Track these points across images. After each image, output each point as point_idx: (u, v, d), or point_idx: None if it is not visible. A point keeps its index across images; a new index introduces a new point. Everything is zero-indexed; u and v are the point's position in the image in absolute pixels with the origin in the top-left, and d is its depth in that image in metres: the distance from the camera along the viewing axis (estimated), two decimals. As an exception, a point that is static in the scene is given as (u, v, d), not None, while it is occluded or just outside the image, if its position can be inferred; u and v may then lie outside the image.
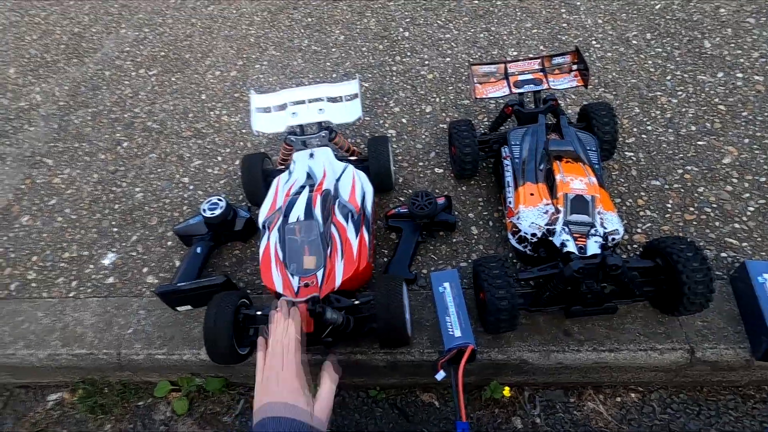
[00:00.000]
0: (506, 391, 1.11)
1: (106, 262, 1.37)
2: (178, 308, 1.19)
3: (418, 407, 1.17)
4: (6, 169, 1.71)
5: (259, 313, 1.05)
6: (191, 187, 1.54)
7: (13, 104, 2.00)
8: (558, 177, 1.08)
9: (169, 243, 1.39)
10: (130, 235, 1.42)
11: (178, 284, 1.14)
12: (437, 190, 1.40)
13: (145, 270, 1.33)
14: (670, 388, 1.12)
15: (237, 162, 1.60)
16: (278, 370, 0.84)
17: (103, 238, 1.43)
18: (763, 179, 1.27)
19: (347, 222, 1.14)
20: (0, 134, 1.86)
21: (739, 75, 1.54)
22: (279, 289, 1.05)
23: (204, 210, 1.25)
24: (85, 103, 1.95)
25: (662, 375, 1.08)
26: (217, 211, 1.24)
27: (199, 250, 1.26)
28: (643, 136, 1.44)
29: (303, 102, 1.33)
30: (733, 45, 1.64)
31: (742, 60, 1.58)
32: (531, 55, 1.68)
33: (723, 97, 1.49)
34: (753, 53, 1.60)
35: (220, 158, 1.62)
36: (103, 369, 1.21)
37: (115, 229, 1.45)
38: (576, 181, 1.07)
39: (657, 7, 1.86)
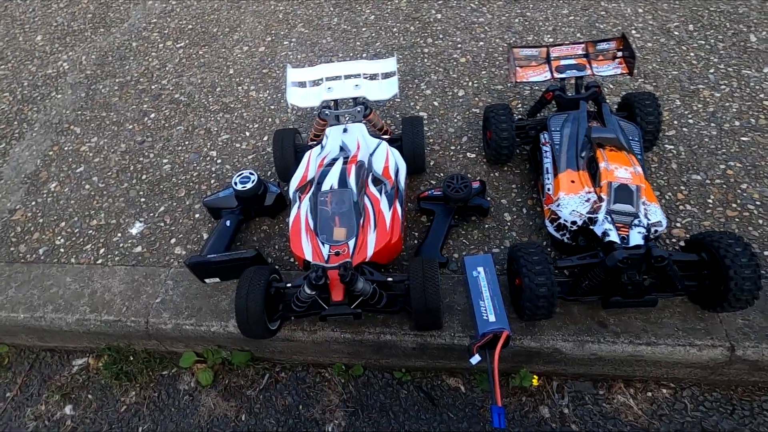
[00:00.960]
0: (535, 380, 1.10)
1: (133, 231, 1.36)
2: (207, 280, 1.19)
3: (443, 391, 1.16)
4: (34, 135, 1.71)
5: (289, 285, 1.04)
6: (219, 161, 1.53)
7: (41, 71, 1.99)
8: (602, 165, 1.05)
9: (197, 215, 1.38)
10: (157, 206, 1.42)
11: (209, 256, 1.14)
12: (470, 174, 1.38)
13: (172, 241, 1.33)
14: (703, 386, 1.10)
15: (265, 138, 1.58)
16: None
17: (130, 207, 1.43)
18: (809, 178, 1.23)
19: (381, 194, 1.12)
20: (28, 100, 1.85)
21: (787, 71, 1.49)
22: (309, 257, 1.04)
23: (235, 183, 1.24)
24: (112, 73, 1.93)
25: (698, 372, 1.05)
26: (249, 185, 1.23)
27: (228, 223, 1.25)
28: (684, 129, 1.40)
29: (339, 77, 1.31)
30: (780, 39, 1.59)
31: (790, 55, 1.53)
32: (575, 41, 1.63)
33: (769, 92, 1.44)
34: (801, 49, 1.54)
35: (248, 133, 1.61)
36: (130, 336, 1.21)
37: (143, 199, 1.45)
38: (621, 169, 1.04)
39: (701, -2, 1.80)
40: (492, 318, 0.99)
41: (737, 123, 1.38)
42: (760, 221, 1.17)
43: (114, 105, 1.78)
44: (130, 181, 1.50)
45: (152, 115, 1.72)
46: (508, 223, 1.26)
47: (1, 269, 1.29)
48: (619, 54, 1.27)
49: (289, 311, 1.04)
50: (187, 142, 1.60)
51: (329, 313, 1.01)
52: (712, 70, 1.55)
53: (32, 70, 2.00)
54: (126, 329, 1.18)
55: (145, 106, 1.76)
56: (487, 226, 1.26)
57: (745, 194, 1.23)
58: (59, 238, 1.37)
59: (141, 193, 1.46)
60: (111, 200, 1.45)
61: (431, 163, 1.42)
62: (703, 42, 1.64)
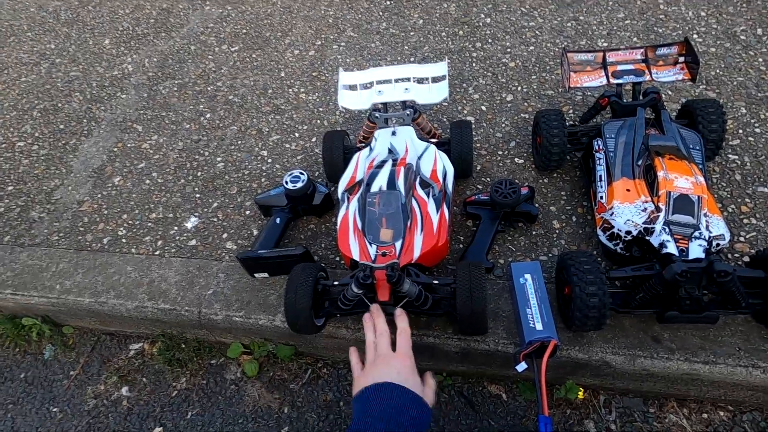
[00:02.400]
0: (581, 393, 1.07)
1: (188, 225, 1.43)
2: (256, 275, 1.23)
3: (484, 398, 1.15)
4: (101, 132, 1.82)
5: (336, 283, 1.07)
6: (269, 161, 1.58)
7: (108, 72, 2.12)
8: (661, 174, 1.02)
9: (248, 212, 1.43)
10: (211, 202, 1.48)
11: (259, 251, 1.18)
12: (518, 180, 1.36)
13: (224, 236, 1.38)
14: (765, 411, 1.03)
15: (314, 139, 1.62)
16: (387, 352, 0.86)
17: (186, 202, 1.50)
18: None
19: (428, 197, 1.13)
20: (96, 99, 1.98)
21: None
22: (356, 256, 1.06)
23: (286, 182, 1.28)
24: (171, 75, 2.04)
25: (760, 395, 1.00)
26: (299, 184, 1.27)
27: (278, 220, 1.29)
28: (750, 138, 1.32)
29: (389, 81, 1.33)
30: None
31: None
32: (632, 45, 1.58)
33: None
34: None
35: (297, 134, 1.65)
36: (183, 325, 1.27)
37: (198, 195, 1.51)
38: (681, 179, 1.00)
39: (771, 0, 1.70)
40: (539, 326, 0.98)
41: (810, 133, 1.30)
42: (836, 239, 1.09)
43: (173, 105, 1.88)
44: (187, 177, 1.58)
45: (208, 116, 1.80)
46: (557, 231, 1.23)
47: (70, 256, 1.39)
48: (681, 59, 1.22)
49: (335, 308, 1.06)
50: (239, 142, 1.66)
51: (375, 312, 1.02)
52: (782, 77, 1.46)
53: (100, 71, 2.13)
54: (180, 318, 1.24)
55: (202, 106, 1.85)
56: (534, 233, 1.24)
57: (817, 209, 1.15)
58: (121, 229, 1.46)
59: (196, 189, 1.53)
60: (168, 195, 1.53)
61: (478, 168, 1.42)
62: (773, 47, 1.55)
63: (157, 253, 1.37)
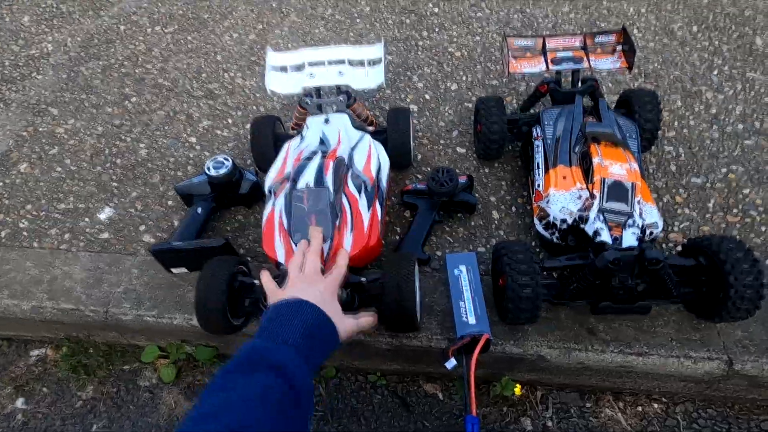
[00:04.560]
0: (517, 389, 1.02)
1: (102, 216, 1.29)
2: (173, 270, 1.12)
3: (420, 397, 1.09)
4: (9, 115, 1.64)
5: (257, 282, 0.97)
6: (198, 147, 1.46)
7: (24, 51, 1.93)
8: (596, 160, 0.99)
9: (170, 202, 1.31)
10: (129, 191, 1.35)
11: (174, 243, 1.07)
12: (458, 170, 1.31)
13: (142, 228, 1.26)
14: (697, 402, 1.02)
15: (248, 125, 1.51)
16: (314, 273, 0.83)
17: (101, 191, 1.36)
18: (816, 185, 1.16)
19: (360, 194, 1.05)
20: (7, 80, 1.79)
21: (794, 74, 1.43)
22: (281, 258, 0.97)
23: (208, 168, 1.17)
24: (96, 56, 1.87)
25: (692, 386, 0.98)
26: (222, 171, 1.16)
27: (199, 210, 1.18)
28: (685, 130, 1.33)
29: (322, 63, 1.24)
30: (787, 44, 1.53)
31: (797, 59, 1.47)
32: (572, 32, 1.57)
33: (774, 96, 1.38)
34: (809, 54, 1.48)
35: (230, 120, 1.54)
36: (89, 327, 1.14)
37: (115, 184, 1.38)
38: (615, 165, 0.98)
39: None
40: (472, 320, 0.92)
41: (740, 126, 1.32)
42: (763, 228, 1.10)
43: (95, 88, 1.72)
44: (104, 164, 1.43)
45: (133, 99, 1.65)
46: (496, 222, 1.19)
47: (-42, 251, 1.22)
48: (619, 48, 1.21)
49: (257, 309, 0.97)
50: (166, 127, 1.53)
51: (298, 312, 0.93)
52: (715, 72, 1.48)
53: (15, 50, 1.93)
54: (84, 319, 1.10)
55: (127, 89, 1.70)
56: (473, 223, 1.19)
57: (747, 199, 1.16)
58: (23, 221, 1.30)
59: (114, 177, 1.39)
60: (82, 184, 1.38)
61: (418, 157, 1.36)
62: (707, 43, 1.58)
63: (62, 247, 1.23)
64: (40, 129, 1.58)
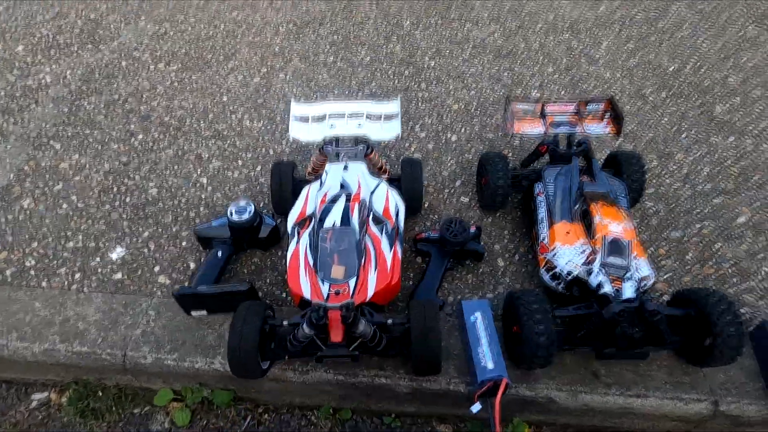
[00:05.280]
0: (526, 430, 1.09)
1: (114, 256, 1.29)
2: (193, 313, 1.13)
3: (433, 439, 1.13)
4: (8, 147, 1.62)
5: (285, 323, 1.01)
6: (209, 188, 1.49)
7: (20, 81, 1.91)
8: (596, 219, 1.10)
9: (184, 243, 1.33)
10: (141, 231, 1.36)
11: (200, 288, 1.09)
12: (464, 219, 1.40)
13: (156, 269, 1.27)
14: (685, 439, 1.12)
15: (258, 167, 1.56)
16: None
17: (111, 230, 1.36)
18: (774, 242, 1.33)
19: (381, 234, 1.12)
20: (4, 111, 1.76)
21: (749, 141, 1.63)
22: (307, 294, 1.01)
23: (231, 213, 1.21)
24: (98, 90, 1.88)
25: (681, 425, 1.08)
26: (245, 216, 1.21)
27: (220, 254, 1.21)
28: (662, 188, 1.49)
29: (342, 115, 1.33)
30: (741, 113, 1.74)
31: (751, 127, 1.68)
32: (567, 98, 1.73)
33: (735, 160, 1.57)
34: (760, 122, 1.70)
35: (240, 162, 1.58)
36: (104, 370, 1.12)
37: (126, 223, 1.38)
38: (614, 224, 1.10)
39: (671, 69, 1.96)
40: (490, 365, 0.99)
41: (708, 186, 1.49)
42: (734, 280, 1.25)
43: (99, 123, 1.73)
44: (113, 203, 1.44)
45: (140, 137, 1.67)
46: (501, 269, 1.28)
47: (-39, 290, 1.19)
48: (608, 115, 1.35)
49: (282, 350, 1.00)
50: (176, 167, 1.56)
51: (327, 354, 0.98)
52: (684, 135, 1.67)
53: (10, 79, 1.91)
54: (100, 362, 1.09)
55: (133, 126, 1.71)
56: (481, 270, 1.27)
57: (719, 253, 1.31)
58: (30, 259, 1.28)
59: (124, 216, 1.40)
60: (90, 222, 1.38)
61: (426, 205, 1.45)
62: (675, 109, 1.78)
63: (74, 287, 1.22)
64: (43, 163, 1.56)
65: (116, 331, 1.12)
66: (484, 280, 1.25)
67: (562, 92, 1.87)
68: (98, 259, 1.28)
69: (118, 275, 1.25)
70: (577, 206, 1.18)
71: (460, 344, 1.10)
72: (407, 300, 1.20)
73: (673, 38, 2.13)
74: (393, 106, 1.34)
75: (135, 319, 1.15)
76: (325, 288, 1.01)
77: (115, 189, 1.48)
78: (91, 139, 1.66)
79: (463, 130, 1.72)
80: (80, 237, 1.34)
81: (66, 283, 1.23)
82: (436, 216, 1.42)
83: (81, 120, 1.74)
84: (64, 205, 1.42)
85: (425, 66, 2.02)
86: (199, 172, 1.54)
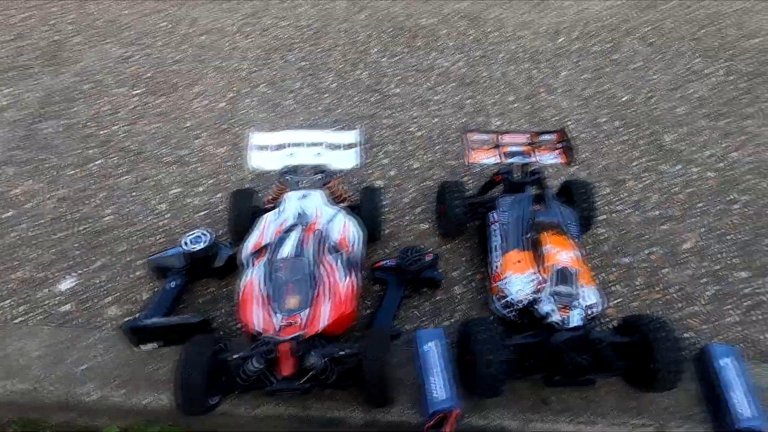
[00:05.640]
0: (480, 459, 1.09)
1: (63, 287, 1.26)
2: (142, 346, 1.11)
3: (389, 471, 1.12)
4: (-43, 172, 1.57)
5: (235, 356, 1.00)
6: (168, 216, 1.47)
7: (-25, 104, 1.86)
8: (546, 248, 1.14)
9: (138, 273, 1.30)
10: (94, 260, 1.33)
11: (149, 320, 1.07)
12: (422, 246, 1.42)
13: (107, 300, 1.24)
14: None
15: (219, 194, 1.56)
16: None
17: (62, 260, 1.32)
18: (717, 267, 1.39)
19: (336, 264, 1.13)
20: (-45, 134, 1.71)
21: (695, 169, 1.71)
22: (258, 327, 1.01)
23: (185, 243, 1.20)
24: (57, 114, 1.85)
25: (630, 450, 1.10)
26: (200, 245, 1.19)
27: (173, 284, 1.19)
28: (614, 215, 1.55)
29: (302, 144, 1.34)
30: (688, 142, 1.84)
31: (696, 156, 1.77)
32: (521, 129, 1.79)
33: (681, 187, 1.65)
34: (705, 151, 1.79)
35: (201, 188, 1.57)
36: (47, 408, 1.08)
37: (78, 252, 1.35)
38: (562, 253, 1.13)
39: (623, 99, 2.06)
40: (443, 396, 1.00)
41: (657, 212, 1.56)
42: (680, 304, 1.30)
43: (56, 147, 1.69)
44: (65, 231, 1.40)
45: (98, 162, 1.64)
46: (458, 297, 1.30)
47: None
48: (560, 145, 1.41)
49: (232, 385, 0.99)
50: (134, 193, 1.54)
51: (277, 388, 0.97)
52: (635, 163, 1.75)
53: (-35, 102, 1.87)
54: (42, 400, 1.05)
55: (91, 151, 1.69)
56: (438, 298, 1.29)
57: (666, 278, 1.36)
58: (-28, 291, 1.23)
59: (76, 245, 1.37)
60: (40, 251, 1.34)
61: (385, 232, 1.46)
62: (627, 137, 1.87)
63: (17, 320, 1.18)
64: (-7, 189, 1.52)
65: (61, 366, 1.09)
66: (440, 308, 1.27)
67: (522, 121, 1.94)
68: (46, 290, 1.25)
69: (67, 307, 1.21)
70: (529, 235, 1.21)
71: (414, 374, 1.11)
72: (364, 329, 1.20)
73: (627, 70, 2.24)
74: (352, 136, 1.37)
75: (82, 354, 1.11)
76: (277, 320, 1.01)
77: (68, 216, 1.44)
78: (47, 165, 1.62)
79: (425, 157, 1.75)
80: (28, 267, 1.30)
81: (9, 316, 1.18)
82: (396, 243, 1.43)
83: (37, 144, 1.70)
84: (12, 234, 1.38)
85: (390, 93, 2.07)
86: (157, 199, 1.52)
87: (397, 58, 2.28)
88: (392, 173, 1.67)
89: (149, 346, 1.11)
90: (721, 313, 1.27)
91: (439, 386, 1.02)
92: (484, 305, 1.28)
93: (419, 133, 1.85)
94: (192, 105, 1.94)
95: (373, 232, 1.35)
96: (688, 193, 1.63)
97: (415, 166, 1.71)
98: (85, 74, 2.08)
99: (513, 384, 1.10)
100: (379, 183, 1.63)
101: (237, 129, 1.83)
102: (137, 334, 1.07)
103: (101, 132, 1.77)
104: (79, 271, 1.29)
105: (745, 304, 1.29)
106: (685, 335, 1.23)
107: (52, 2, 2.61)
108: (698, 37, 2.48)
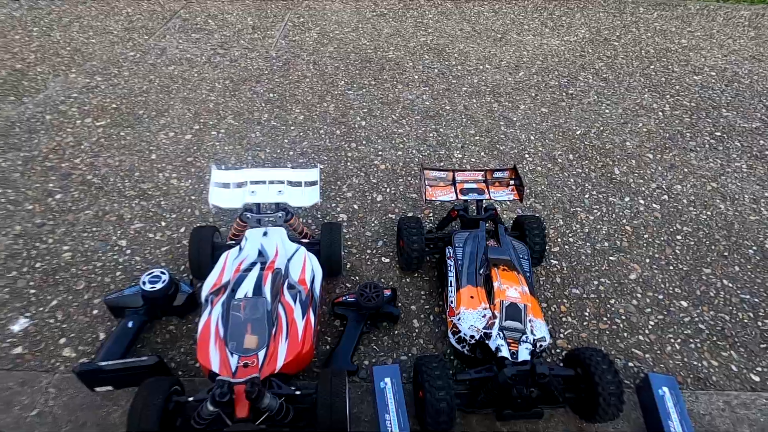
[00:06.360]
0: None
1: (15, 328, 1.23)
2: (97, 389, 1.10)
3: None
4: None
5: (191, 399, 1.00)
6: (128, 252, 1.47)
7: (-70, 136, 1.83)
8: (495, 284, 1.19)
9: (95, 311, 1.29)
10: (50, 299, 1.31)
11: (102, 363, 1.06)
12: (383, 279, 1.46)
13: (62, 341, 1.22)
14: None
15: (182, 229, 1.56)
16: None
17: (16, 299, 1.30)
18: (661, 296, 1.47)
19: (295, 302, 1.15)
20: None
21: (642, 201, 1.82)
22: (215, 368, 1.02)
23: (144, 282, 1.20)
24: (17, 146, 1.83)
25: (579, 480, 1.15)
26: (159, 285, 1.20)
27: (130, 324, 1.19)
28: (566, 246, 1.62)
29: (263, 182, 1.37)
30: (636, 174, 1.95)
31: (643, 188, 1.88)
32: (476, 167, 1.87)
33: (629, 219, 1.74)
34: (651, 184, 1.90)
35: (164, 223, 1.58)
36: (-8, 458, 1.05)
37: (33, 291, 1.33)
38: (511, 289, 1.19)
39: (578, 132, 2.17)
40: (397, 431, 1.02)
41: (606, 244, 1.64)
42: (625, 334, 1.36)
43: (14, 181, 1.67)
44: (20, 269, 1.38)
45: (58, 196, 1.63)
46: (417, 330, 1.33)
47: None
48: (512, 182, 1.48)
49: (188, 428, 0.99)
50: (94, 229, 1.53)
51: (232, 430, 0.97)
52: (587, 196, 1.84)
53: None
54: (-13, 450, 1.03)
55: (51, 185, 1.67)
56: (396, 332, 1.32)
57: (613, 309, 1.43)
58: None
59: (32, 283, 1.35)
60: (-7, 290, 1.32)
61: (348, 266, 1.49)
62: (580, 170, 1.97)
63: (-34, 365, 1.15)
64: (-54, 226, 1.49)
65: (9, 413, 1.06)
66: (399, 342, 1.30)
67: (482, 153, 2.02)
68: (-3, 332, 1.22)
69: (18, 349, 1.19)
70: (482, 270, 1.27)
71: (372, 410, 1.13)
72: (323, 365, 1.22)
73: (581, 104, 2.37)
74: (313, 174, 1.41)
75: (32, 398, 1.09)
76: (233, 360, 1.02)
77: (24, 253, 1.42)
78: (3, 199, 1.60)
79: (388, 190, 1.80)
80: (-21, 308, 1.27)
81: (-43, 360, 1.15)
82: (357, 277, 1.46)
83: (-6, 178, 1.67)
84: (-35, 273, 1.35)
85: (356, 125, 2.12)
86: (119, 234, 1.52)
87: (363, 90, 2.35)
88: (356, 206, 1.71)
89: (104, 389, 1.10)
90: (663, 342, 1.35)
91: (393, 423, 1.04)
92: (442, 338, 1.32)
93: (383, 166, 1.91)
94: (158, 137, 1.95)
95: (333, 268, 1.37)
96: (636, 224, 1.72)
97: (378, 199, 1.75)
98: (47, 104, 2.06)
99: (467, 418, 1.13)
100: (342, 217, 1.67)
101: (202, 162, 1.85)
102: (91, 376, 1.05)
103: (62, 165, 1.76)
104: (34, 311, 1.27)
105: (685, 332, 1.37)
106: (630, 364, 1.29)
107: (15, 29, 2.60)
108: (648, 72, 2.64)
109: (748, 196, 1.85)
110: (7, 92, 2.11)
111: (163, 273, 1.22)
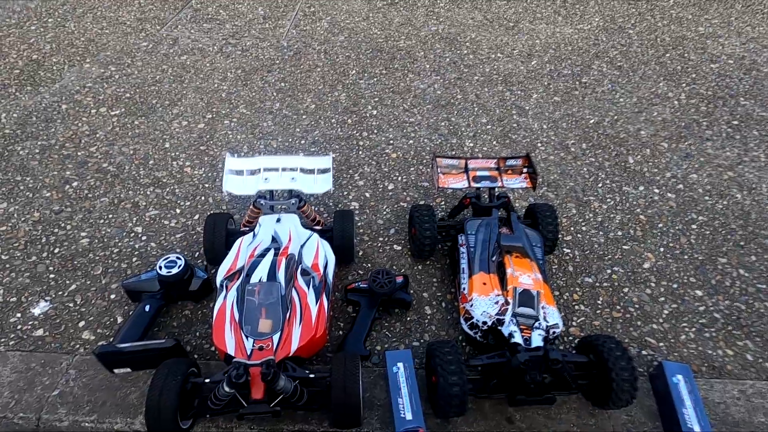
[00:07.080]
0: (448, 477, 1.13)
1: (36, 311, 1.26)
2: (116, 370, 1.12)
3: (359, 491, 1.15)
4: (-70, 195, 1.56)
5: (207, 381, 1.02)
6: (144, 238, 1.49)
7: (-50, 125, 1.86)
8: (509, 271, 1.19)
9: (113, 296, 1.32)
10: (68, 284, 1.34)
11: (121, 345, 1.08)
12: (395, 267, 1.46)
13: (81, 324, 1.24)
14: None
15: (196, 216, 1.58)
16: None
17: (36, 284, 1.33)
18: (675, 286, 1.46)
19: (308, 288, 1.16)
20: (-71, 155, 1.71)
21: (656, 191, 1.80)
22: (231, 351, 1.03)
23: (160, 267, 1.22)
24: (34, 135, 1.86)
25: (591, 466, 1.15)
26: (174, 270, 1.22)
27: (147, 308, 1.21)
28: (579, 235, 1.61)
29: (276, 169, 1.38)
30: (651, 164, 1.93)
31: (658, 178, 1.86)
32: (489, 155, 1.86)
33: (643, 208, 1.72)
34: (666, 173, 1.88)
35: (178, 210, 1.60)
36: (16, 436, 1.08)
37: (52, 276, 1.36)
38: (524, 276, 1.18)
39: (591, 122, 2.15)
40: (409, 416, 1.03)
41: (620, 233, 1.63)
42: (639, 323, 1.36)
43: (32, 169, 1.70)
44: (40, 254, 1.41)
45: (75, 184, 1.65)
46: (429, 317, 1.34)
47: None
48: (525, 170, 1.47)
49: (204, 408, 1.01)
50: (110, 216, 1.55)
51: (248, 411, 0.99)
52: (600, 185, 1.82)
53: (-60, 122, 1.86)
54: (12, 427, 1.06)
55: (68, 173, 1.70)
56: (408, 318, 1.33)
57: (626, 297, 1.42)
58: (-57, 316, 1.23)
59: (51, 268, 1.37)
60: (14, 275, 1.35)
61: (360, 253, 1.50)
62: (594, 159, 1.95)
63: (-11, 346, 1.18)
64: (-33, 212, 1.52)
65: (32, 392, 1.09)
66: (411, 328, 1.31)
67: (494, 142, 2.01)
68: (19, 314, 1.25)
69: (40, 332, 1.22)
70: (495, 258, 1.26)
71: (385, 395, 1.14)
72: (337, 350, 1.23)
73: (595, 93, 2.33)
74: (326, 161, 1.41)
75: (53, 379, 1.12)
76: (249, 344, 1.04)
77: (43, 239, 1.45)
78: (22, 187, 1.63)
79: (400, 178, 1.80)
80: (1, 291, 1.30)
81: (-19, 341, 1.18)
82: (369, 264, 1.47)
83: (13, 166, 1.70)
84: (-14, 257, 1.38)
85: (368, 114, 2.12)
86: (134, 221, 1.54)
87: (375, 79, 2.34)
88: (367, 194, 1.72)
89: (123, 371, 1.12)
90: (677, 331, 1.34)
91: (406, 407, 1.05)
92: (454, 325, 1.32)
93: (395, 155, 1.91)
94: (171, 126, 1.97)
95: (345, 255, 1.38)
96: (650, 213, 1.70)
97: (390, 188, 1.76)
98: (63, 94, 2.09)
99: (479, 403, 1.14)
100: (354, 205, 1.67)
101: (215, 150, 1.86)
102: (110, 358, 1.08)
103: (79, 153, 1.79)
104: (53, 295, 1.30)
105: (699, 321, 1.36)
106: (644, 353, 1.28)
107: (31, 21, 2.63)
108: (663, 61, 2.60)
109: (765, 186, 1.82)
110: (24, 82, 2.14)
111: (179, 258, 1.24)
